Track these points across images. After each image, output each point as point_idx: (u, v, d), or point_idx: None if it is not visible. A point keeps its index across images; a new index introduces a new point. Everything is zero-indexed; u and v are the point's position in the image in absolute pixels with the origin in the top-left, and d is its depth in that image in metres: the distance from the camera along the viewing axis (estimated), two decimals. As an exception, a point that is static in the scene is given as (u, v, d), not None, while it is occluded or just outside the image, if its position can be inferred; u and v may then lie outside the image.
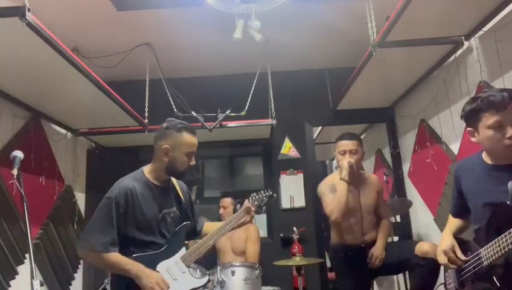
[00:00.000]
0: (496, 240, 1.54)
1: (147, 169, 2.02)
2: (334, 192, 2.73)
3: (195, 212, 2.24)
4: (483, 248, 1.62)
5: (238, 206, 3.63)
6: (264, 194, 2.27)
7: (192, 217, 2.18)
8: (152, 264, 1.87)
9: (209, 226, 2.24)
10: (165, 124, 2.01)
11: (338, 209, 2.63)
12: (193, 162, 2.00)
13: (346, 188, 2.65)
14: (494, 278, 1.57)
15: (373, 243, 2.75)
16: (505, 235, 1.49)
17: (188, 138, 1.97)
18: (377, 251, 2.68)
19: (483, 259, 1.62)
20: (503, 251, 1.51)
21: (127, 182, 1.92)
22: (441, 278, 1.93)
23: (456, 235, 1.86)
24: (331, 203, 2.69)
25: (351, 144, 2.77)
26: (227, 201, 3.62)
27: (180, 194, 2.12)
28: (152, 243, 1.90)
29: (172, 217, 2.02)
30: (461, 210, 1.86)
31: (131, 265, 1.80)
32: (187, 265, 1.97)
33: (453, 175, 1.88)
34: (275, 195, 2.37)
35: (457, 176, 1.85)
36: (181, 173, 2.00)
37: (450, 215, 1.97)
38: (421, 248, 2.51)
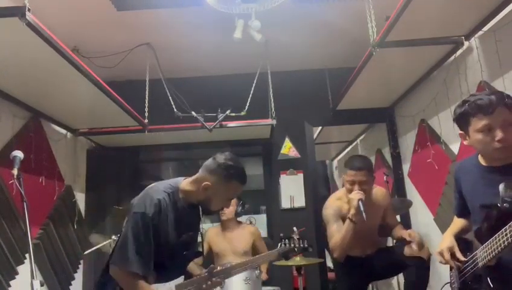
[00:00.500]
0: (489, 241, 1.56)
1: (183, 186, 1.86)
2: (339, 220, 2.67)
3: None
4: (478, 249, 1.64)
5: (240, 208, 3.64)
6: (297, 246, 2.00)
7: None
8: None
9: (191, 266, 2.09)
10: (221, 160, 1.83)
11: (341, 248, 2.58)
12: (228, 205, 1.93)
13: (352, 228, 2.56)
14: (488, 279, 1.59)
15: (373, 254, 2.78)
16: (495, 237, 1.51)
17: (236, 187, 1.84)
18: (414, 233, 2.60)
19: (478, 260, 1.64)
20: (494, 253, 1.53)
21: (162, 197, 1.78)
22: (447, 278, 1.94)
23: (460, 235, 1.87)
24: (334, 237, 2.62)
25: (360, 175, 2.62)
26: (232, 201, 3.61)
27: (200, 215, 1.99)
28: (159, 262, 1.79)
29: (186, 241, 1.89)
30: (463, 210, 1.86)
31: None
32: None
33: (453, 176, 1.89)
34: (310, 249, 2.06)
35: (457, 177, 1.86)
36: (211, 212, 1.91)
37: (454, 217, 1.97)
38: (409, 249, 2.54)
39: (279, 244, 2.01)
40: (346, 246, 2.59)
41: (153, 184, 1.88)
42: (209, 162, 1.86)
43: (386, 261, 2.71)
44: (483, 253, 1.60)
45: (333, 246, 2.64)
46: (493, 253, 1.53)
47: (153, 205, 1.73)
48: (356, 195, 2.56)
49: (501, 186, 1.51)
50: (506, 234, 1.44)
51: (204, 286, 1.81)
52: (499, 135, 1.53)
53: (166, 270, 1.82)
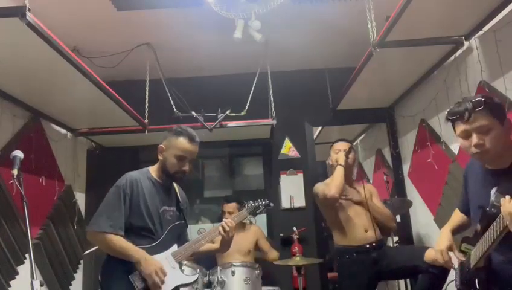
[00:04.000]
0: (478, 244, 1.59)
1: (151, 168, 2.14)
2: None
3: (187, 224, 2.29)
4: (472, 250, 1.66)
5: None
6: (260, 203, 2.40)
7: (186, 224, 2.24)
8: None
9: None
10: (171, 128, 2.12)
11: (335, 186, 2.71)
12: (185, 168, 2.04)
13: (342, 171, 2.77)
14: (476, 281, 1.62)
15: (377, 243, 2.73)
16: (481, 241, 1.54)
17: (182, 142, 2.03)
18: None
19: (470, 261, 1.66)
20: (479, 255, 1.56)
21: (134, 174, 2.05)
22: (452, 276, 1.94)
23: (458, 232, 1.89)
24: (327, 185, 2.80)
25: (345, 145, 2.95)
26: (232, 206, 3.60)
27: (180, 198, 2.20)
28: (149, 231, 1.98)
29: (171, 216, 2.09)
30: (466, 207, 1.88)
31: (135, 251, 1.90)
32: (177, 261, 2.02)
33: (463, 173, 1.91)
34: (271, 204, 2.47)
35: (465, 175, 1.88)
36: (171, 175, 2.06)
37: (456, 209, 1.97)
38: (431, 255, 2.43)
39: (245, 205, 2.41)
40: (340, 185, 2.72)
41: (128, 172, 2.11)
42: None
43: (401, 263, 2.62)
44: (473, 255, 1.63)
45: (327, 187, 2.76)
46: (479, 255, 1.57)
47: (124, 178, 2.01)
48: (341, 152, 2.87)
49: (492, 191, 1.53)
50: (487, 237, 1.48)
51: (191, 248, 2.07)
52: (474, 140, 1.57)
53: (160, 242, 2.00)
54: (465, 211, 1.89)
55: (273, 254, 3.66)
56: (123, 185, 1.98)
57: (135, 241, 1.93)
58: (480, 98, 1.57)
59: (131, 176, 2.03)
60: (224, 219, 2.13)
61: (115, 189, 1.99)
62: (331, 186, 2.73)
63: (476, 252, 1.60)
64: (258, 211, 2.41)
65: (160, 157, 2.07)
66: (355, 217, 2.79)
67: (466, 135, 1.60)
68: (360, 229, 2.76)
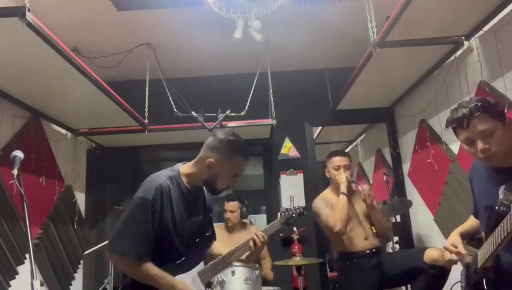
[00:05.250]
0: (485, 243, 1.56)
1: (184, 169, 1.82)
2: (329, 207, 2.81)
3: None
4: (479, 250, 1.64)
5: (244, 209, 3.65)
6: (294, 211, 2.14)
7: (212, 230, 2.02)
8: None
9: (217, 246, 2.07)
10: (222, 136, 1.78)
11: (341, 220, 2.68)
12: (231, 184, 1.84)
13: (346, 201, 2.74)
14: (484, 281, 1.59)
15: (376, 249, 2.77)
16: (489, 239, 1.52)
17: (240, 161, 1.79)
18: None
19: (478, 261, 1.64)
20: (487, 255, 1.53)
21: (162, 180, 1.72)
22: (457, 277, 1.92)
23: (469, 234, 1.87)
24: (332, 215, 2.73)
25: (345, 160, 2.92)
26: (234, 205, 3.60)
27: (207, 199, 1.97)
28: (176, 251, 1.73)
29: (197, 226, 1.84)
30: (476, 210, 1.86)
31: (164, 279, 1.66)
32: (204, 282, 1.81)
33: (468, 177, 1.89)
34: (305, 213, 2.20)
35: (470, 177, 1.86)
36: (217, 191, 1.84)
37: (471, 215, 1.97)
38: (431, 256, 2.47)
39: (279, 214, 2.15)
40: (346, 219, 2.70)
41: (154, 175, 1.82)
42: (210, 140, 1.81)
43: (401, 266, 2.63)
44: (480, 254, 1.61)
45: (333, 221, 2.71)
46: (487, 255, 1.54)
47: (153, 189, 1.67)
48: (343, 174, 2.86)
49: (500, 190, 1.50)
50: (496, 236, 1.46)
51: (220, 267, 1.87)
52: (479, 146, 1.53)
53: (186, 259, 1.77)
54: (476, 214, 1.88)
55: (267, 263, 3.64)
56: (152, 198, 1.64)
57: (155, 260, 1.67)
58: (476, 103, 1.53)
59: (160, 185, 1.68)
60: (256, 233, 1.90)
61: (142, 203, 1.65)
62: (337, 220, 2.68)
63: (484, 252, 1.58)
64: (291, 221, 2.12)
65: (206, 173, 1.76)
66: (355, 228, 2.81)
67: (470, 142, 1.57)
68: (359, 238, 2.80)
